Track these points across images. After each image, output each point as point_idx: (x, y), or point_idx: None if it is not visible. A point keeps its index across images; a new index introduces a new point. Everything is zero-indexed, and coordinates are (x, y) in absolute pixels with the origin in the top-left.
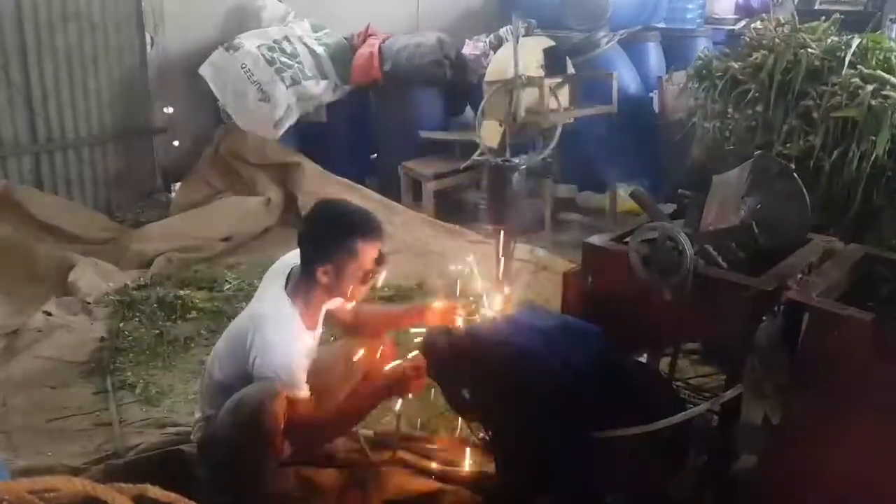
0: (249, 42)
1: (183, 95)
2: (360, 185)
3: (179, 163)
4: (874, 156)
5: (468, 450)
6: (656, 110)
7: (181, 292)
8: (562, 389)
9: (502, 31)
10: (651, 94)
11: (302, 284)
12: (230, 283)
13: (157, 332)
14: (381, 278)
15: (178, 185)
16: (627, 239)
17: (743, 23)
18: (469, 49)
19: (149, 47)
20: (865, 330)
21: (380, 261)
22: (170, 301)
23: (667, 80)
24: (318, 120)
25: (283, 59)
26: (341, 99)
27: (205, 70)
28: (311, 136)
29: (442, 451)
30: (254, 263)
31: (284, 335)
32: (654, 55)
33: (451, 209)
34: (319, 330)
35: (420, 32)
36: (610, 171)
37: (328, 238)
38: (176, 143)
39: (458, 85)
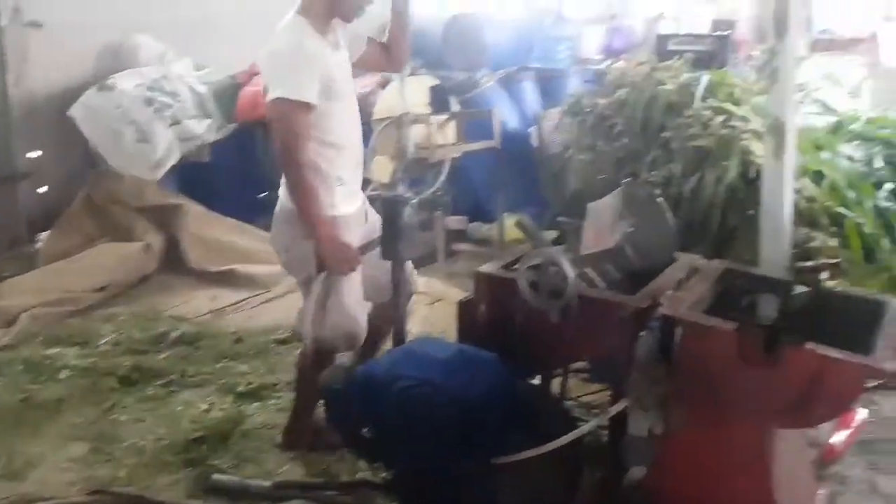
0: (125, 82)
1: (51, 139)
2: (248, 226)
3: (47, 211)
4: (727, 180)
5: None
6: (535, 144)
7: (50, 351)
8: (462, 418)
9: None
10: (530, 130)
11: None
12: (106, 336)
13: (24, 396)
14: None
15: (45, 234)
16: (516, 266)
17: (608, 63)
18: (357, 87)
19: (11, 88)
20: (730, 338)
21: None
22: (37, 361)
23: (543, 116)
24: (201, 160)
25: (163, 99)
26: (226, 138)
27: (76, 111)
28: (194, 176)
29: None
30: (133, 314)
31: (294, 38)
32: (530, 93)
33: None
34: (343, 51)
35: None
36: (496, 202)
37: None
38: (43, 189)
39: None
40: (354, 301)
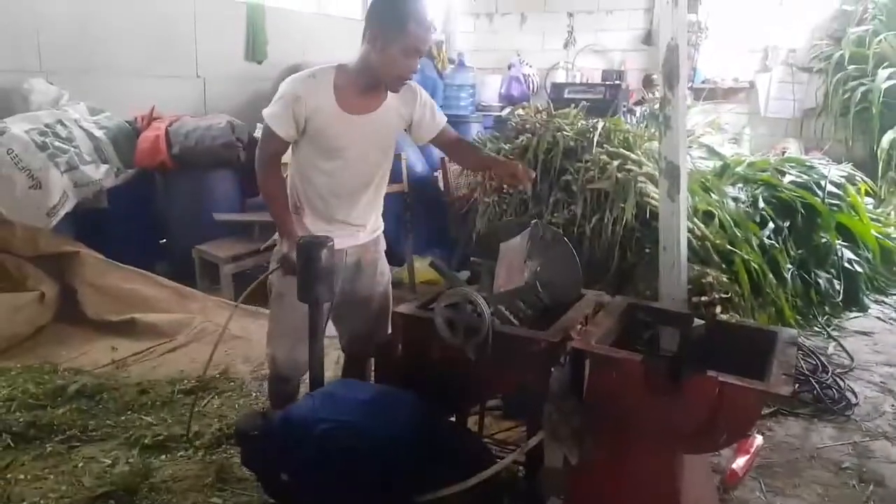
0: (17, 126)
1: None
2: (149, 273)
3: None
4: (625, 220)
5: None
6: (441, 188)
7: None
8: (383, 459)
9: None
10: (435, 174)
11: (356, 60)
12: None
13: None
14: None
15: None
16: (432, 306)
17: (508, 110)
18: (260, 132)
19: None
20: (637, 369)
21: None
22: None
23: (448, 160)
24: (98, 206)
25: (57, 144)
26: (124, 183)
27: None
28: (90, 223)
29: None
30: (28, 367)
31: (296, 81)
32: None
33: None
34: (374, 118)
35: (209, 115)
36: (406, 244)
37: (386, 12)
38: None
39: (251, 167)
40: (285, 327)
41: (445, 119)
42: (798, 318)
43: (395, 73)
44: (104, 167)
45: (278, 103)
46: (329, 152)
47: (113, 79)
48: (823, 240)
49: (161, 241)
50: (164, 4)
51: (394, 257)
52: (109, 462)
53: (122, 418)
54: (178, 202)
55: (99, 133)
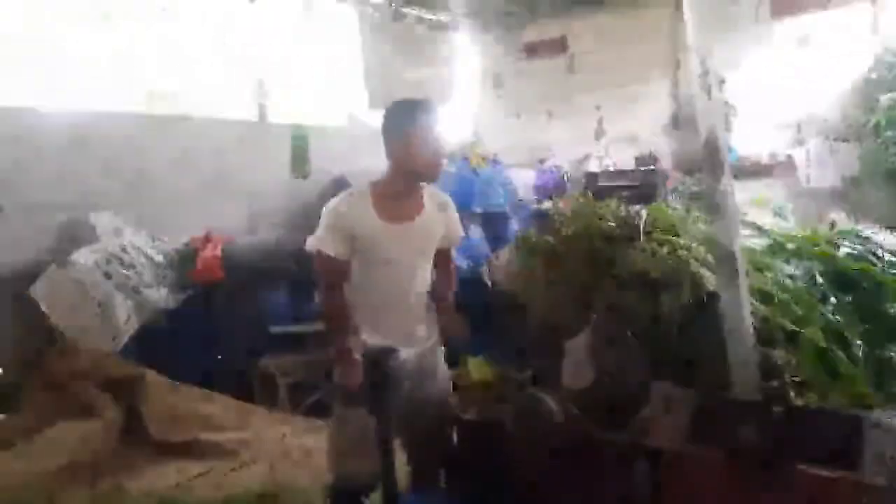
0: (85, 257)
1: (9, 319)
2: (209, 391)
3: (4, 392)
4: (680, 307)
5: None
6: (488, 284)
7: None
8: None
9: None
10: (480, 270)
11: (386, 172)
12: None
13: None
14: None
15: (1, 416)
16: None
17: (545, 203)
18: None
19: None
20: (720, 465)
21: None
22: None
23: (495, 257)
24: (159, 326)
25: (122, 271)
26: (183, 303)
27: (36, 290)
28: (152, 343)
29: None
30: (96, 494)
31: (335, 201)
32: (476, 236)
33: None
34: (410, 225)
35: (260, 234)
36: (455, 343)
37: (387, 123)
38: None
39: (304, 278)
40: (352, 437)
41: (460, 241)
42: (876, 396)
43: (421, 163)
44: (164, 290)
45: (324, 227)
46: (377, 264)
47: (170, 207)
48: (892, 310)
49: (218, 358)
50: (213, 136)
51: (446, 357)
52: None
53: None
54: (234, 318)
55: (159, 258)
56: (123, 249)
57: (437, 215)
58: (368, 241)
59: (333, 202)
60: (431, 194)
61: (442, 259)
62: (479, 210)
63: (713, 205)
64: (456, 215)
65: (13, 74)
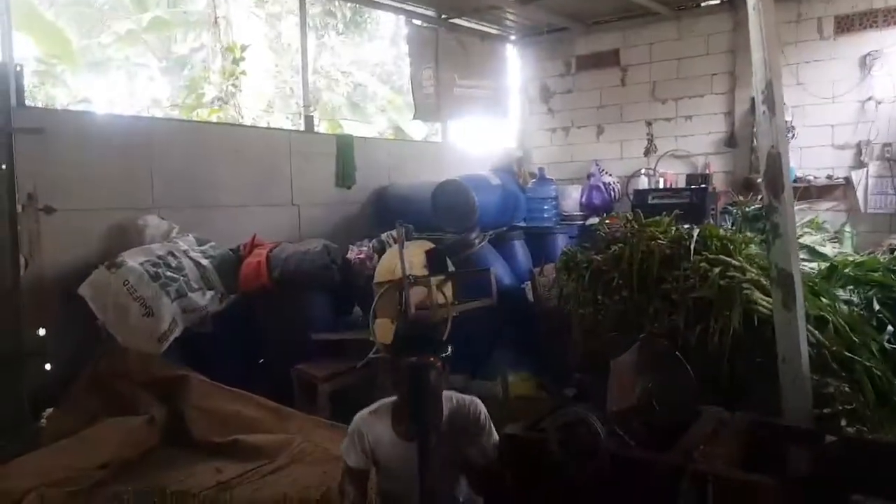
0: (132, 259)
1: (58, 317)
2: (251, 394)
3: (52, 388)
4: (731, 329)
5: None
6: (531, 300)
7: None
8: None
9: (383, 237)
10: (523, 286)
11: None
12: None
13: None
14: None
15: (49, 411)
16: (541, 426)
17: (591, 219)
18: (353, 254)
19: (22, 270)
20: (771, 494)
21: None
22: None
23: (538, 272)
24: (204, 330)
25: (168, 274)
26: (228, 307)
27: (84, 289)
28: (196, 346)
29: None
30: (139, 491)
31: (358, 417)
32: (520, 251)
33: (347, 410)
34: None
35: (306, 241)
36: (497, 358)
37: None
38: (48, 366)
39: (345, 287)
40: None
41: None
42: None
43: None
44: (210, 293)
45: (348, 438)
46: (391, 480)
47: (218, 211)
48: None
49: (260, 362)
50: (262, 144)
51: (486, 371)
52: None
53: None
54: (277, 323)
55: (205, 262)
56: (171, 253)
57: (461, 439)
58: (382, 456)
59: (357, 419)
60: (458, 407)
61: (474, 480)
62: (523, 225)
63: (772, 225)
64: (491, 430)
65: (75, 78)
